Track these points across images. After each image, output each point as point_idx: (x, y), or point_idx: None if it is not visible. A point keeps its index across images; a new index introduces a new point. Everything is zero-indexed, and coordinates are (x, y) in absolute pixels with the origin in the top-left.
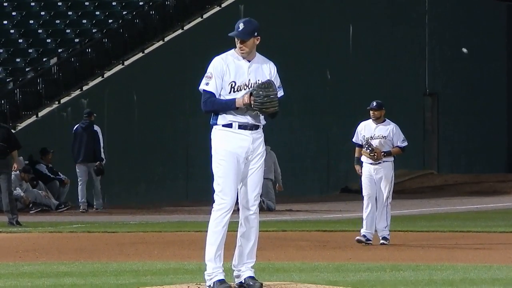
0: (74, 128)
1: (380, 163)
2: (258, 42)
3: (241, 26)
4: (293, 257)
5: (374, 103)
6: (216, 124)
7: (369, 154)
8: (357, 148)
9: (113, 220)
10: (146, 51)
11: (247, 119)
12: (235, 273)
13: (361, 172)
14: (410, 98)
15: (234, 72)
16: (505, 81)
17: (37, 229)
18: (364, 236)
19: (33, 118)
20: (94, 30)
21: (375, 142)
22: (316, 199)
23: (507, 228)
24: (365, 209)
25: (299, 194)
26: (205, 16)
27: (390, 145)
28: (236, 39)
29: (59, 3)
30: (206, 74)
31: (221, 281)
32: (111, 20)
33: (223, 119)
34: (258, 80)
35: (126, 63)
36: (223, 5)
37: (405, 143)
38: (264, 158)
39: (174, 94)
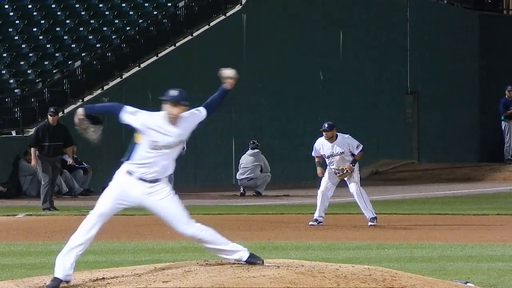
0: None
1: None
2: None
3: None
4: (290, 237)
5: (326, 125)
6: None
7: (343, 174)
8: (316, 157)
9: None
10: (160, 55)
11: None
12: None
13: (324, 173)
14: (393, 96)
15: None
16: (477, 80)
17: (63, 213)
18: (316, 220)
19: (60, 114)
20: (113, 37)
21: (336, 159)
22: (310, 185)
23: (479, 211)
24: (319, 200)
25: (295, 181)
26: (211, 24)
27: (349, 155)
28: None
29: (83, 13)
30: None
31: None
32: (129, 28)
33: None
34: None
35: (142, 65)
36: (227, 14)
37: (360, 147)
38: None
39: None
